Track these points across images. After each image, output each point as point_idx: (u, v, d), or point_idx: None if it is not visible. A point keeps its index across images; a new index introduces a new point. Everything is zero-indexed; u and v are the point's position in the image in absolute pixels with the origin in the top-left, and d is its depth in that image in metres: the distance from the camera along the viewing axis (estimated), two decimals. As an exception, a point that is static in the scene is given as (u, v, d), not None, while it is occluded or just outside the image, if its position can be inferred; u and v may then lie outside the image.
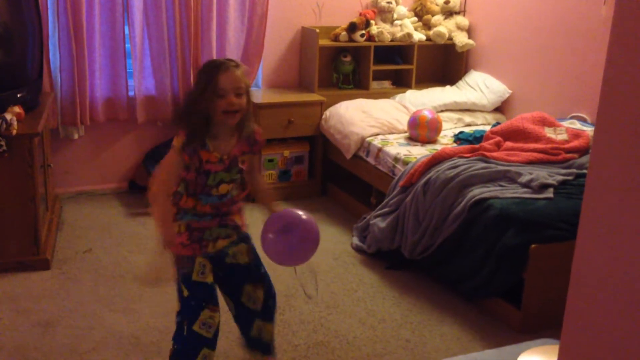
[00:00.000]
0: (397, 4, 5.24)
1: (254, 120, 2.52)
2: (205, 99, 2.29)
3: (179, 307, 2.43)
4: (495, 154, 3.81)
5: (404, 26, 5.18)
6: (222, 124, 2.35)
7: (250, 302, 2.54)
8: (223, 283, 2.54)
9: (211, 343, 2.43)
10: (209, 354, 2.43)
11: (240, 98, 2.32)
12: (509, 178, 3.56)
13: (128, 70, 4.62)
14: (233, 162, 2.40)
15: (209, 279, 2.43)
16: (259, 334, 2.58)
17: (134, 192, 4.85)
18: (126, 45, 4.57)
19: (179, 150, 2.31)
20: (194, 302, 2.40)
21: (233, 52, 4.77)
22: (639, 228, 0.94)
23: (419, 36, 5.18)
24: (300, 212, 2.48)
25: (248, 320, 2.57)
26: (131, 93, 4.68)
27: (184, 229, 2.40)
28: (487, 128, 4.57)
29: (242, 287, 2.54)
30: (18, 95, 3.66)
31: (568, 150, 3.86)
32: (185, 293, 2.40)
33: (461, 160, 3.71)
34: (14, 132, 3.38)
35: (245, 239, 2.56)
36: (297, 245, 2.43)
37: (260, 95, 4.93)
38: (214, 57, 4.68)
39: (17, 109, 3.56)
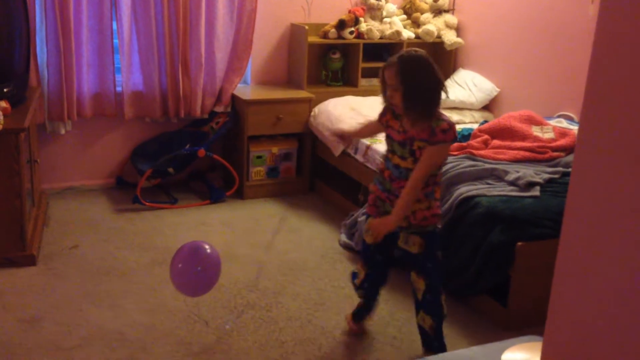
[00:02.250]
0: (387, 1, 5.25)
1: (432, 118, 2.65)
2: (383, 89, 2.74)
3: None
4: (482, 152, 3.82)
5: (393, 24, 5.18)
6: None
7: (414, 289, 2.85)
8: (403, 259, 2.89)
9: (357, 288, 3.07)
10: (359, 301, 3.10)
11: (394, 92, 2.63)
12: (496, 176, 3.58)
13: (116, 65, 4.60)
14: (408, 140, 2.67)
15: (368, 239, 2.90)
16: (422, 323, 2.86)
17: (121, 188, 4.83)
18: (114, 40, 4.55)
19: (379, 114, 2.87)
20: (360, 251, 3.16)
21: (222, 48, 4.75)
22: (622, 226, 0.95)
23: (408, 34, 5.19)
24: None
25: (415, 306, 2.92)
26: (119, 88, 4.65)
27: (373, 190, 2.88)
28: (475, 126, 4.58)
29: (409, 272, 2.85)
30: (4, 90, 3.64)
31: (555, 149, 3.88)
32: None
33: (449, 158, 3.72)
34: (0, 127, 3.36)
35: (422, 233, 2.76)
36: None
37: (248, 91, 4.92)
38: (202, 53, 4.67)
39: (3, 103, 3.54)
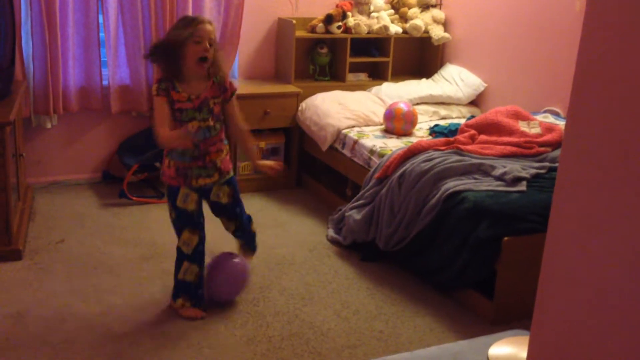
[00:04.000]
0: (374, -4, 5.25)
1: (223, 69, 3.03)
2: (182, 44, 2.82)
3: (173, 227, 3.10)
4: (469, 147, 3.84)
5: (381, 18, 5.18)
6: (193, 70, 2.88)
7: (225, 227, 3.27)
8: (213, 210, 3.19)
9: (191, 258, 3.06)
10: (189, 267, 3.07)
11: (211, 47, 2.87)
12: (483, 171, 3.59)
13: (102, 59, 4.57)
14: (203, 103, 2.93)
15: (190, 206, 3.02)
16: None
17: (107, 182, 4.80)
18: (100, 34, 4.52)
19: (156, 94, 2.88)
20: (177, 224, 3.05)
21: (209, 42, 4.74)
22: (608, 221, 0.96)
23: (395, 29, 5.19)
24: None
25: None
26: (105, 82, 4.63)
27: (172, 165, 3.00)
28: (462, 121, 4.60)
29: (220, 218, 3.23)
30: (-11, 84, 3.61)
31: (541, 144, 3.90)
32: (173, 215, 3.05)
33: (436, 153, 3.73)
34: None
35: (229, 182, 3.13)
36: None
37: (236, 86, 4.90)
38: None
39: (-12, 97, 3.51)
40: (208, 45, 2.84)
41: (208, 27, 2.86)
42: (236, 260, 3.26)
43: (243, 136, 3.16)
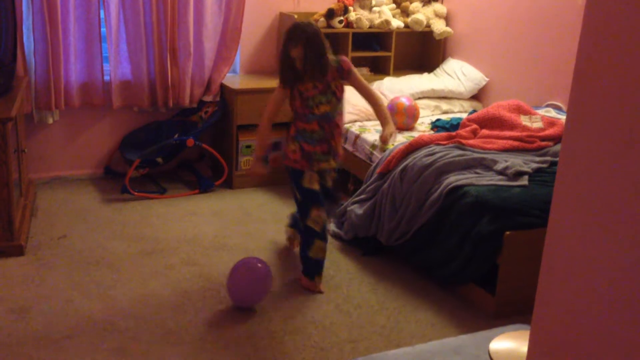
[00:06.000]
0: (376, -10, 5.23)
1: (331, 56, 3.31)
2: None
3: (297, 209, 3.41)
4: (471, 142, 3.83)
5: (382, 13, 5.17)
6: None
7: (323, 221, 3.35)
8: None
9: (321, 235, 3.32)
10: (320, 244, 3.34)
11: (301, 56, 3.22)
12: (485, 165, 3.59)
13: (104, 54, 4.56)
14: (325, 86, 3.24)
15: (315, 186, 3.29)
16: (321, 253, 3.40)
17: (109, 178, 4.81)
18: (102, 29, 4.51)
19: (281, 88, 3.30)
20: (304, 204, 3.30)
21: (210, 37, 4.73)
22: (608, 215, 0.96)
23: (397, 23, 5.18)
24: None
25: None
26: (107, 78, 4.62)
27: (298, 149, 3.30)
28: (464, 116, 4.59)
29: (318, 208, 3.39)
30: (-9, 79, 3.60)
31: (543, 138, 3.90)
32: (299, 197, 3.32)
33: (438, 148, 3.73)
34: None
35: (336, 168, 3.45)
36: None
37: (237, 81, 4.90)
38: (191, 42, 4.65)
39: (-11, 93, 3.50)
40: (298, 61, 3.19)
41: (292, 53, 3.20)
42: (260, 265, 3.22)
43: (374, 102, 3.49)
